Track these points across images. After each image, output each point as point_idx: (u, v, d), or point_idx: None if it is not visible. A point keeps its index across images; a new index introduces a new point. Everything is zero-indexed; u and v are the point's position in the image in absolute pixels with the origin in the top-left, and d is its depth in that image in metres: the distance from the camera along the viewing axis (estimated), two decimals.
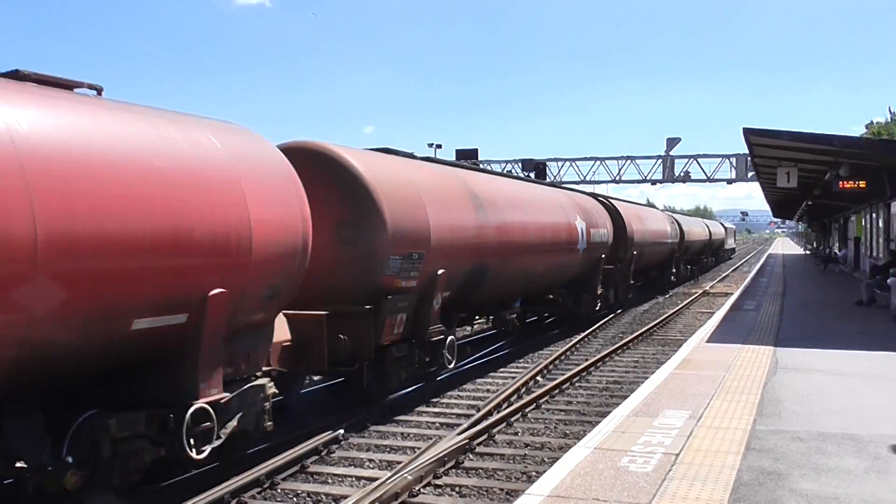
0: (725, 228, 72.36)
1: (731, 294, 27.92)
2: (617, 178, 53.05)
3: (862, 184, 19.80)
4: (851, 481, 6.06)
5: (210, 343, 7.57)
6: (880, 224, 27.53)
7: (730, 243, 78.10)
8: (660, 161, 52.69)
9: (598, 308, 21.67)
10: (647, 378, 11.36)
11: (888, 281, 17.88)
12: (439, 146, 40.02)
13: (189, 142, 7.56)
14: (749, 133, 17.08)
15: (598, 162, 53.18)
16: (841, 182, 19.92)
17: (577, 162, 53.49)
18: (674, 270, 35.72)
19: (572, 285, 20.23)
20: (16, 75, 6.87)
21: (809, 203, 36.51)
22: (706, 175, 52.06)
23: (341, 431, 9.99)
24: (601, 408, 11.78)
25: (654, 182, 53.25)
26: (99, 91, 7.57)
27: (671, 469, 6.41)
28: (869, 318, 17.60)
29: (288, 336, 9.68)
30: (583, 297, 20.56)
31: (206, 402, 7.57)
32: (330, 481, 8.59)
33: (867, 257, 30.77)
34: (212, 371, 7.71)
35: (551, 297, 19.98)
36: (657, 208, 44.39)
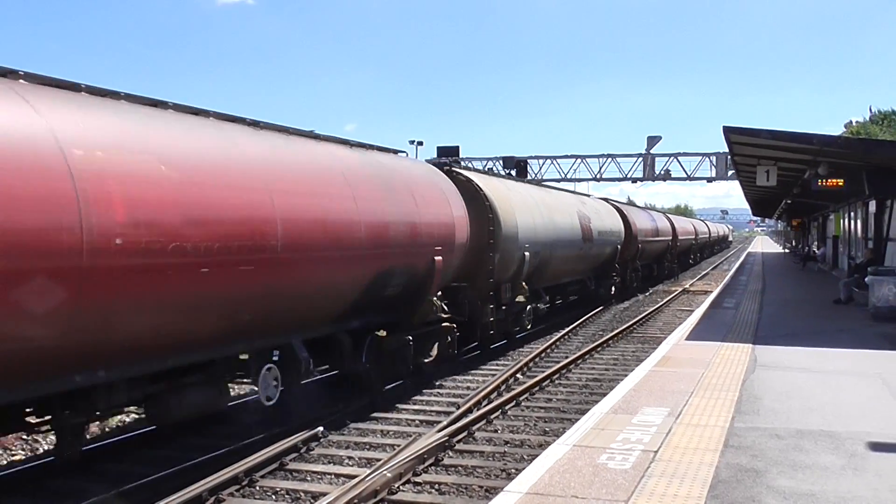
0: (728, 229, 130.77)
1: (711, 292, 28.07)
2: (598, 176, 53.16)
3: (840, 182, 19.91)
4: (828, 478, 6.09)
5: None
6: (858, 223, 27.76)
7: (730, 237, 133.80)
8: (640, 159, 52.86)
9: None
10: (626, 375, 11.37)
11: (866, 279, 18.03)
12: (420, 143, 40.08)
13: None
14: (729, 131, 17.14)
15: (578, 160, 53.26)
16: (820, 181, 20.02)
17: (559, 160, 53.63)
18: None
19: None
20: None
21: (789, 201, 36.75)
22: (686, 173, 52.32)
23: (321, 429, 9.95)
24: (581, 405, 11.80)
25: (634, 180, 53.44)
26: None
27: (650, 466, 6.42)
28: (847, 316, 17.76)
29: None
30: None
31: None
32: (309, 479, 8.54)
33: (845, 256, 31.02)
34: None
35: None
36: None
